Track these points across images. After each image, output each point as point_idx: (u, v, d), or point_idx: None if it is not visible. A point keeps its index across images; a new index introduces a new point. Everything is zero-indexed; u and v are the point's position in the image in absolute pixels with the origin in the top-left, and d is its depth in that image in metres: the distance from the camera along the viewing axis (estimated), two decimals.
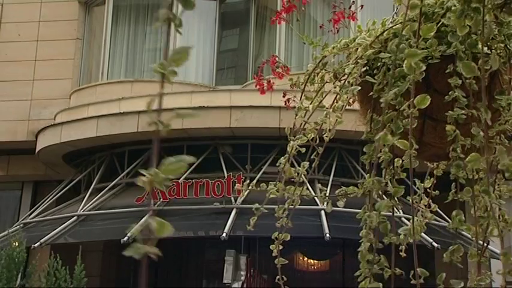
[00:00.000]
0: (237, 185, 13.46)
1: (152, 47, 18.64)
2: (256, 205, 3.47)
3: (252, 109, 14.80)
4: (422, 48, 2.46)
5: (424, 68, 2.21)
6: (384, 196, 2.67)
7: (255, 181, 3.92)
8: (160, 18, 1.35)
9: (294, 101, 3.69)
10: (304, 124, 3.25)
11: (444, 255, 2.52)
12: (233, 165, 15.61)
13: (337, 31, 3.55)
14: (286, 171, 3.30)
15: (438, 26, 2.54)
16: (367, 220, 2.47)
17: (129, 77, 18.03)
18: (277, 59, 4.03)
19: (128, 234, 13.61)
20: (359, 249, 2.46)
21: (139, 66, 18.34)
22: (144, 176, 1.15)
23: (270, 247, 3.35)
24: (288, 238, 3.37)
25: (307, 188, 3.45)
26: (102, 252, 18.00)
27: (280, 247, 3.35)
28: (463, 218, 2.34)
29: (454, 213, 2.38)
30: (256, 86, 4.06)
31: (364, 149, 2.64)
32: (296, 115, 3.36)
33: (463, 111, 2.24)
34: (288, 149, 3.30)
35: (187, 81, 17.11)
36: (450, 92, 2.22)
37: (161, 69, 1.27)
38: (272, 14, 17.71)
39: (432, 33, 2.21)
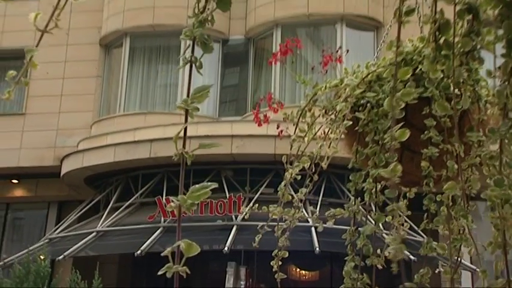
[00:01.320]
0: (242, 208, 13.65)
1: (163, 83, 18.70)
2: (259, 223, 3.54)
3: (250, 138, 14.83)
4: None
5: (403, 105, 2.21)
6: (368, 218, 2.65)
7: (251, 203, 3.88)
8: (183, 60, 1.37)
9: (287, 131, 3.70)
10: (301, 154, 3.26)
11: (415, 276, 2.53)
12: (234, 187, 15.62)
13: (326, 72, 3.54)
14: (284, 195, 3.31)
15: (416, 70, 2.54)
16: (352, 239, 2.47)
17: (143, 110, 18.09)
18: (272, 95, 4.03)
19: (141, 248, 13.63)
20: (345, 268, 2.45)
21: (151, 100, 18.40)
22: (174, 202, 1.21)
23: (271, 263, 3.37)
24: (287, 255, 3.39)
25: (302, 211, 3.46)
26: (117, 264, 17.92)
27: (280, 263, 3.38)
28: (434, 244, 2.36)
29: (425, 240, 2.40)
30: (254, 120, 4.05)
31: (350, 177, 2.63)
32: (291, 146, 3.37)
33: (436, 150, 2.24)
34: (287, 175, 3.31)
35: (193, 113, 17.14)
36: (426, 132, 2.21)
37: (184, 105, 1.28)
38: (268, 54, 17.80)
39: (409, 76, 2.20)
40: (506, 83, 1.80)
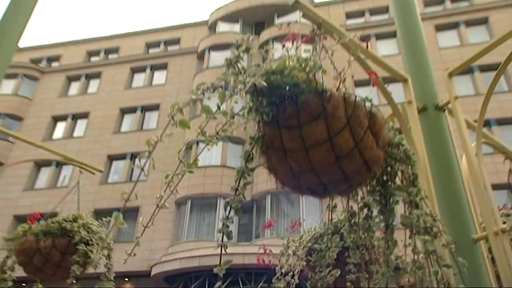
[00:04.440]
0: None
1: (207, 223, 18.40)
2: None
3: (254, 255, 14.38)
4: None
5: (336, 253, 2.18)
6: None
7: None
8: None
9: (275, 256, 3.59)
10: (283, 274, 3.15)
11: None
12: (245, 283, 14.99)
13: (293, 231, 3.49)
14: None
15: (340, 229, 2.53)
16: None
17: (196, 238, 17.68)
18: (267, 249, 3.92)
19: None
20: None
21: (201, 233, 18.02)
22: None
23: None
24: None
25: None
26: None
27: None
28: None
29: None
30: (256, 260, 3.90)
31: None
32: (279, 269, 3.27)
33: (354, 276, 2.16)
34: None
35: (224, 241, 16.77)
36: (348, 266, 2.15)
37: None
38: (264, 209, 17.74)
39: (337, 238, 2.20)
40: (387, 246, 1.82)
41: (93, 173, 3.89)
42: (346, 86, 1.86)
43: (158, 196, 1.58)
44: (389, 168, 1.83)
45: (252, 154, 1.68)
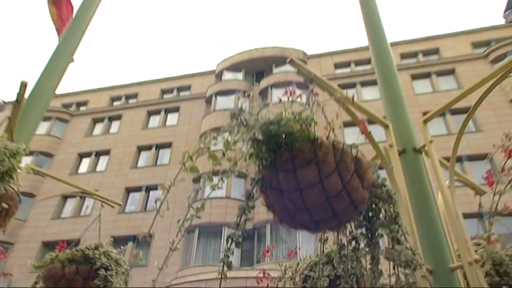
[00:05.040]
0: None
1: (213, 248, 17.98)
2: None
3: (255, 278, 13.97)
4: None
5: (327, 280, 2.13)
6: None
7: None
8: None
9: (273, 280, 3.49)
10: None
11: None
12: None
13: (290, 258, 3.40)
14: None
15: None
16: None
17: (203, 263, 17.24)
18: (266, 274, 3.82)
19: None
20: None
21: (207, 258, 17.58)
22: None
23: None
24: None
25: None
26: None
27: None
28: None
29: None
30: (257, 283, 3.80)
31: None
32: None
33: None
34: None
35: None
36: None
37: None
38: (264, 237, 17.41)
39: (329, 268, 2.16)
40: (373, 276, 1.78)
41: (113, 207, 3.88)
42: (335, 134, 1.90)
43: (171, 241, 1.58)
44: (374, 206, 1.83)
45: (253, 194, 1.69)
